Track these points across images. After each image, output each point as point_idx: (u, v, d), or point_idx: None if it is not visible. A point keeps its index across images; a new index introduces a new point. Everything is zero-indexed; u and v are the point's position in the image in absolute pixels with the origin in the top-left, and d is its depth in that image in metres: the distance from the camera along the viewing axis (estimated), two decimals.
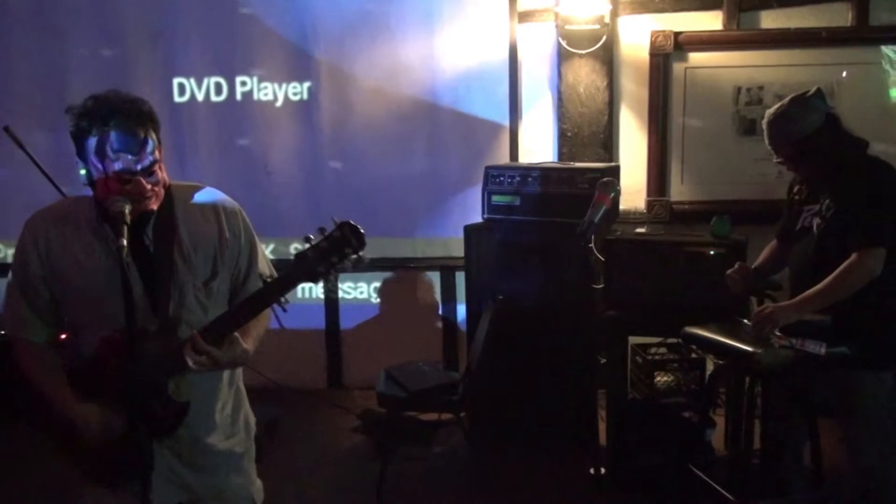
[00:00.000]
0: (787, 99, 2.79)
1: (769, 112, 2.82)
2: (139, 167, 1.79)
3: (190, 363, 1.81)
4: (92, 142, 1.77)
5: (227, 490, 2.09)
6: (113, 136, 1.75)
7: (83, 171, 1.82)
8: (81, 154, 1.81)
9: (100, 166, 1.78)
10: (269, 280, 1.86)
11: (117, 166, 1.77)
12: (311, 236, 1.78)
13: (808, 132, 2.72)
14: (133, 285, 1.84)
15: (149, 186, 1.83)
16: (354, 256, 1.77)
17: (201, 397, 2.00)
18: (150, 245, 1.91)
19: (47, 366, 1.98)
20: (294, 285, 1.83)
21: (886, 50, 4.35)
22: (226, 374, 2.08)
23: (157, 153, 1.83)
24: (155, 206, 1.88)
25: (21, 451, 3.73)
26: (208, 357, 1.81)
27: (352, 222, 1.76)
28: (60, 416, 1.92)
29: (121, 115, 1.77)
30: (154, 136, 1.82)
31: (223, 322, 1.86)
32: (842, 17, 4.37)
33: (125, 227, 1.74)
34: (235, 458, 2.11)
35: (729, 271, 3.01)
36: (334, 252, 1.76)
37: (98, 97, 1.80)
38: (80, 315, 1.95)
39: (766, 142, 2.83)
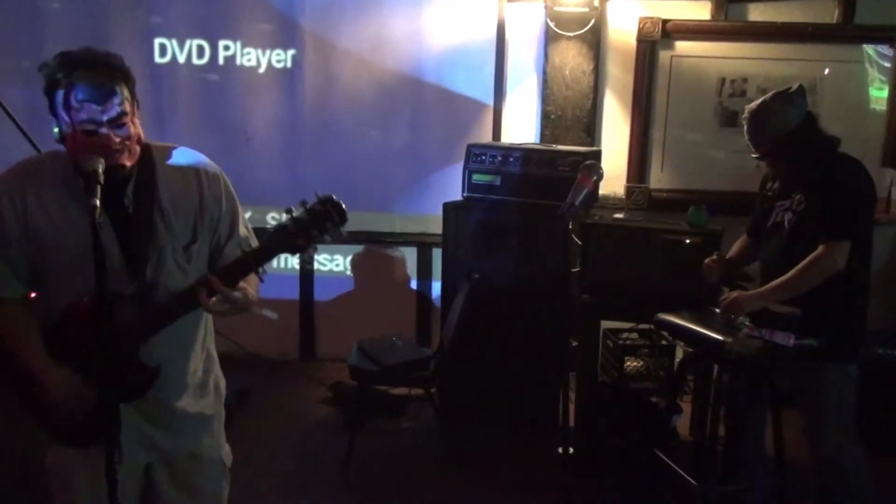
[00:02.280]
0: (769, 95, 2.79)
1: (749, 107, 2.82)
2: (105, 117, 1.75)
3: (206, 304, 1.81)
4: (60, 94, 1.75)
5: (198, 451, 2.10)
6: (78, 86, 1.73)
7: (56, 129, 1.79)
8: (53, 109, 1.78)
9: (67, 118, 1.75)
10: (247, 250, 1.83)
11: (82, 116, 1.74)
12: (293, 208, 1.76)
13: (787, 129, 2.74)
14: (110, 247, 1.83)
15: (117, 139, 1.78)
16: (335, 231, 1.76)
17: (174, 360, 1.99)
18: (130, 206, 1.88)
19: (21, 322, 1.94)
20: (273, 256, 1.82)
21: (868, 49, 4.38)
22: (198, 337, 2.07)
23: (126, 106, 1.79)
24: (128, 162, 1.83)
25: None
26: (223, 297, 1.80)
27: (334, 197, 1.74)
28: (30, 376, 1.89)
29: (86, 66, 1.74)
30: (125, 89, 1.79)
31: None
32: (828, 13, 4.40)
33: (98, 187, 1.69)
34: (206, 420, 2.11)
35: (707, 260, 3.03)
36: (315, 225, 1.74)
37: (68, 52, 1.78)
38: (53, 275, 1.90)
39: (746, 136, 2.84)
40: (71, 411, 1.89)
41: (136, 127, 1.84)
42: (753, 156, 2.86)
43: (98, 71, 1.75)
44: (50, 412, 1.92)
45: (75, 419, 1.91)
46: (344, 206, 1.75)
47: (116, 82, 1.77)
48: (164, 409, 2.00)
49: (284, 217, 1.76)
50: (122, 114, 1.78)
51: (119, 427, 1.84)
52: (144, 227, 1.88)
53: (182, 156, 1.99)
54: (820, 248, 2.65)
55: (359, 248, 4.97)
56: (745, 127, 2.83)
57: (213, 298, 1.81)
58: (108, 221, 1.84)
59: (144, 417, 1.98)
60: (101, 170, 1.72)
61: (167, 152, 1.97)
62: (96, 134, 1.76)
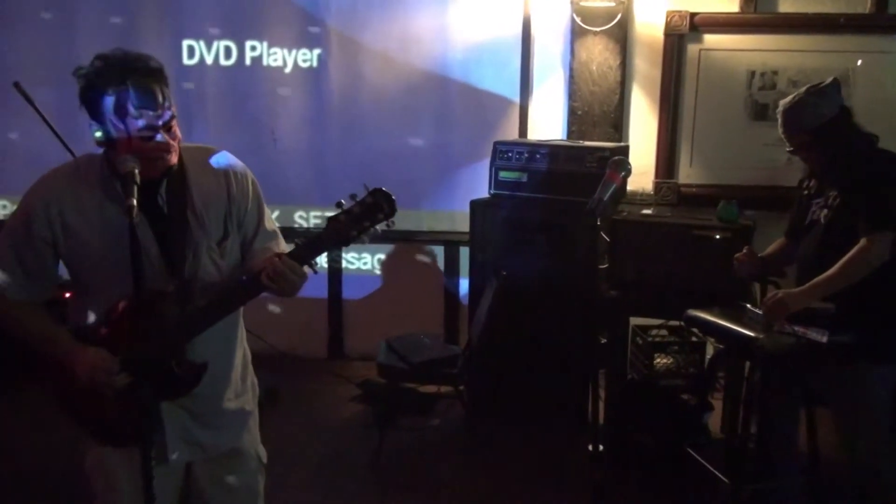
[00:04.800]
0: (804, 88, 2.80)
1: (784, 101, 2.82)
2: (160, 122, 1.79)
3: (273, 284, 1.83)
4: (109, 101, 1.76)
5: (238, 447, 2.14)
6: (132, 93, 1.75)
7: (98, 133, 1.81)
8: (96, 115, 1.79)
9: (121, 125, 1.77)
10: (299, 243, 1.85)
11: (140, 123, 1.77)
12: (343, 202, 1.80)
13: (822, 121, 2.73)
14: (149, 246, 1.88)
15: (172, 143, 1.84)
16: (386, 222, 1.80)
17: (218, 357, 2.03)
18: (164, 206, 1.92)
19: (40, 317, 1.97)
20: (326, 248, 1.86)
21: None
22: (238, 335, 2.13)
23: (174, 108, 1.84)
24: (175, 161, 1.88)
25: (33, 410, 3.77)
26: (290, 269, 1.83)
27: (384, 189, 1.79)
28: (61, 365, 1.91)
29: (137, 73, 1.76)
30: (168, 91, 1.83)
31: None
32: (861, 3, 4.32)
33: (135, 188, 1.74)
34: (245, 415, 2.16)
35: (737, 255, 3.01)
36: (366, 217, 1.79)
37: (106, 57, 1.79)
38: (92, 275, 1.94)
39: (780, 129, 2.83)
40: (103, 396, 1.90)
41: (177, 128, 1.89)
42: (788, 150, 2.84)
43: (149, 76, 1.78)
44: (85, 404, 1.95)
45: (111, 415, 1.93)
46: (394, 196, 1.78)
47: (164, 86, 1.81)
48: (209, 406, 2.04)
49: (336, 210, 1.80)
50: (173, 117, 1.83)
51: (159, 425, 1.92)
52: (180, 226, 1.92)
53: (210, 155, 2.04)
54: (863, 241, 2.62)
55: (386, 246, 4.98)
56: (780, 120, 2.82)
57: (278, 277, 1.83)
58: (145, 221, 1.88)
59: (189, 415, 2.02)
60: (137, 171, 1.76)
61: (195, 152, 2.01)
62: (153, 140, 1.80)
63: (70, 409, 2.00)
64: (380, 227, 1.80)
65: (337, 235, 1.81)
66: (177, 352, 1.90)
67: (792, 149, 2.83)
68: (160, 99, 1.78)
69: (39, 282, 1.96)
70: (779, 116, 2.83)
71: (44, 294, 1.99)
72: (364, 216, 1.78)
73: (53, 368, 1.95)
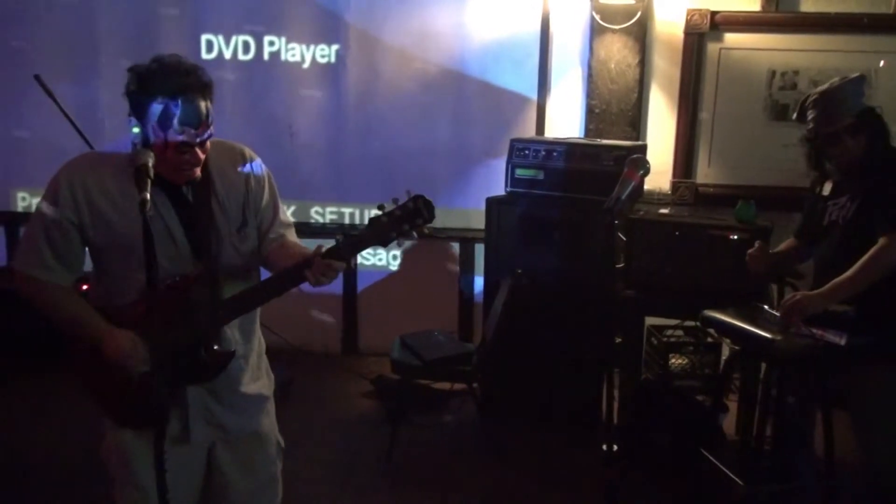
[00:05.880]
0: (837, 79, 2.76)
1: (818, 90, 2.77)
2: (198, 140, 1.87)
3: (315, 281, 1.90)
4: (156, 109, 1.83)
5: (259, 430, 2.21)
6: (180, 109, 1.83)
7: (136, 129, 1.87)
8: (140, 115, 1.86)
9: (161, 134, 1.84)
10: (341, 240, 1.92)
11: (180, 138, 1.84)
12: (385, 204, 1.89)
13: (862, 108, 2.71)
14: (175, 231, 1.96)
15: (202, 157, 1.92)
16: (425, 228, 1.89)
17: (241, 343, 2.11)
18: (189, 194, 2.00)
19: (72, 298, 2.01)
20: (365, 247, 1.94)
21: None
22: (257, 321, 2.21)
23: (212, 126, 1.91)
24: (199, 175, 1.96)
25: (53, 393, 3.80)
26: (330, 269, 1.89)
27: (425, 196, 1.87)
28: (92, 345, 1.95)
29: (189, 90, 1.84)
30: (211, 106, 1.90)
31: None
32: (884, 3, 4.28)
33: (148, 181, 1.78)
34: (264, 400, 2.23)
35: (750, 251, 2.98)
36: (406, 221, 1.87)
37: (164, 63, 1.86)
38: (114, 260, 1.98)
39: (816, 118, 2.75)
40: (128, 378, 1.94)
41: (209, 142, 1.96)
42: (826, 130, 2.73)
43: (197, 94, 1.85)
44: (110, 386, 1.99)
45: (132, 398, 1.97)
46: (433, 204, 1.87)
47: (209, 101, 1.89)
48: (229, 388, 2.10)
49: (377, 212, 1.89)
50: (212, 134, 1.92)
51: (182, 406, 2.00)
52: (204, 213, 2.00)
53: (230, 149, 2.12)
54: (882, 240, 2.59)
55: (402, 242, 4.97)
56: (816, 108, 2.75)
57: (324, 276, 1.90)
58: (171, 209, 1.97)
59: (212, 396, 2.08)
60: (150, 164, 1.80)
61: (220, 146, 2.08)
62: (187, 153, 1.88)
63: (95, 391, 2.05)
64: (417, 232, 1.89)
65: (377, 236, 1.89)
66: (208, 338, 1.98)
67: (827, 134, 2.74)
68: (204, 116, 1.86)
69: (68, 265, 1.99)
70: (812, 105, 2.76)
71: (72, 278, 2.03)
72: (404, 220, 1.87)
73: (81, 349, 2.00)
